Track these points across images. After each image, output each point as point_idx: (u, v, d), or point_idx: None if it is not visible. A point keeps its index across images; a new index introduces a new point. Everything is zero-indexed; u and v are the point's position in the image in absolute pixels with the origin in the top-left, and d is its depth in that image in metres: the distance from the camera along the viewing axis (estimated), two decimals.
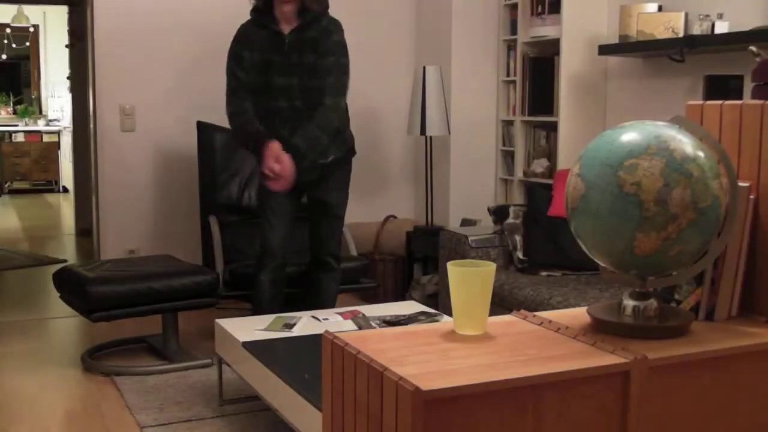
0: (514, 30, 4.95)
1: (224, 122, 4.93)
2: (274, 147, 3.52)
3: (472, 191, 5.21)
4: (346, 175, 3.88)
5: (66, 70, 9.24)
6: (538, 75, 4.72)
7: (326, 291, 3.97)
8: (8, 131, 11.27)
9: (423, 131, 4.84)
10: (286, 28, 3.61)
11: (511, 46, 5.01)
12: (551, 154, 4.70)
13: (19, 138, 11.31)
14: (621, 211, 1.47)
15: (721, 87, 3.44)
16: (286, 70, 3.59)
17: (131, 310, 3.78)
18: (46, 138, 11.37)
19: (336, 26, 3.66)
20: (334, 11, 5.46)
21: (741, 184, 1.69)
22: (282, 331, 3.21)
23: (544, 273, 3.97)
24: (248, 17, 3.75)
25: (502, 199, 5.14)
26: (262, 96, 3.63)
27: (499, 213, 4.20)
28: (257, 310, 3.77)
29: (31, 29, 11.57)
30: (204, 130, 4.64)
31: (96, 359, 3.98)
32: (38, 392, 3.60)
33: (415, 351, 1.49)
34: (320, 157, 3.67)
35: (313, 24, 3.61)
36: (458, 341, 1.55)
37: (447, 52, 5.14)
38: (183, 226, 5.08)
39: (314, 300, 3.96)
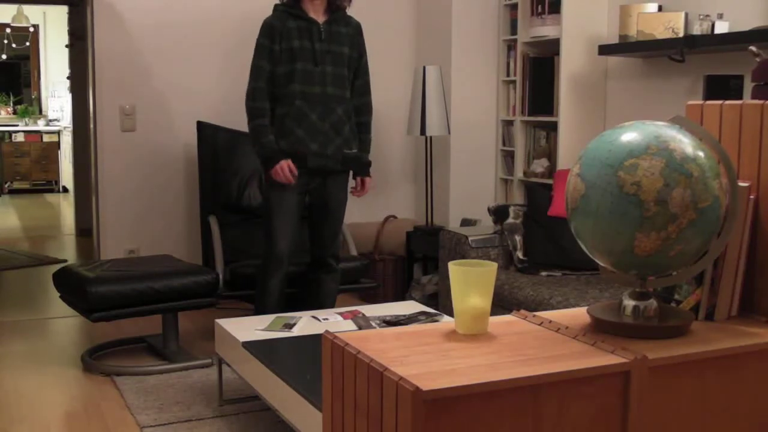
0: (514, 30, 4.95)
1: (224, 122, 4.95)
2: (285, 165, 3.65)
3: (472, 191, 5.21)
4: (347, 177, 3.90)
5: (66, 70, 9.25)
6: (538, 75, 4.72)
7: (327, 291, 3.98)
8: (8, 131, 11.27)
9: (423, 131, 4.84)
10: (319, 19, 3.73)
11: (511, 46, 5.01)
12: (551, 154, 4.70)
13: (19, 138, 11.31)
14: (621, 211, 1.47)
15: (721, 87, 3.44)
16: (322, 57, 3.69)
17: (131, 310, 3.78)
18: (46, 138, 11.37)
19: (361, 27, 3.91)
20: None
21: (741, 184, 1.69)
22: (282, 331, 3.21)
23: (544, 273, 3.97)
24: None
25: (502, 199, 5.14)
26: (294, 82, 3.67)
27: (499, 213, 4.20)
28: (264, 297, 3.82)
29: (31, 29, 11.57)
30: (204, 130, 4.64)
31: (96, 359, 3.98)
32: (38, 392, 3.60)
33: (415, 351, 1.49)
34: (345, 146, 3.77)
35: (342, 19, 3.79)
36: (458, 341, 1.55)
37: (447, 52, 5.14)
38: (183, 226, 5.08)
39: (314, 300, 3.96)
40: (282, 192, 3.73)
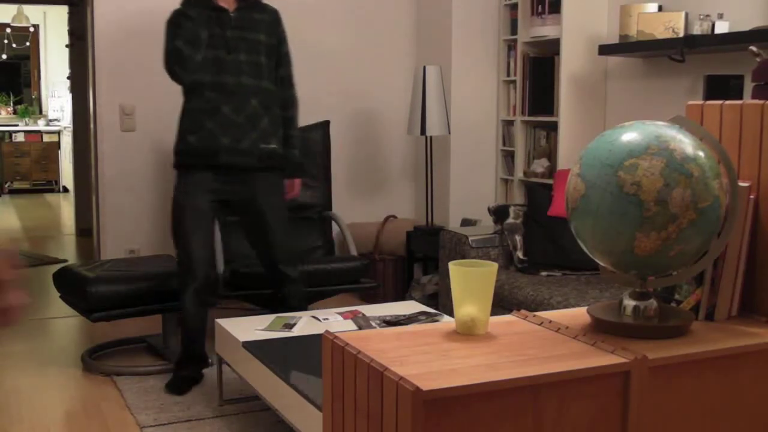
0: (514, 30, 4.95)
1: None
2: None
3: (472, 191, 5.21)
4: (277, 177, 3.65)
5: (66, 70, 9.25)
6: (538, 75, 4.72)
7: (292, 301, 3.71)
8: (8, 131, 11.27)
9: (423, 131, 4.84)
10: (230, 8, 3.52)
11: (511, 46, 5.01)
12: (551, 154, 4.70)
13: (19, 138, 11.31)
14: (621, 211, 1.47)
15: (721, 87, 3.44)
16: (235, 44, 3.49)
17: (131, 310, 3.78)
18: (46, 138, 11.38)
19: (279, 15, 3.68)
20: (334, 11, 5.47)
21: (741, 184, 1.69)
22: (282, 331, 3.21)
23: (544, 273, 3.97)
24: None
25: (502, 199, 5.14)
26: (204, 71, 3.48)
27: (499, 213, 4.20)
28: (185, 332, 3.61)
29: (31, 29, 11.57)
30: None
31: (96, 359, 3.98)
32: (38, 392, 3.60)
33: (415, 351, 1.49)
34: (262, 140, 3.53)
35: (256, 7, 3.59)
36: (458, 341, 1.55)
37: (447, 52, 5.14)
38: None
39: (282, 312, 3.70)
40: (190, 195, 3.51)
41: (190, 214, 3.52)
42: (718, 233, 1.57)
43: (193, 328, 3.60)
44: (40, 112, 11.77)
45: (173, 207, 3.60)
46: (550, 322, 1.67)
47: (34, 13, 11.33)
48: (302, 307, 3.75)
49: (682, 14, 3.86)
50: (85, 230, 7.37)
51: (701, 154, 1.50)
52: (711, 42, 3.59)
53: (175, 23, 3.48)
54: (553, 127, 4.67)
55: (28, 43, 11.73)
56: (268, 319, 3.41)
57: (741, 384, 1.57)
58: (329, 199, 4.84)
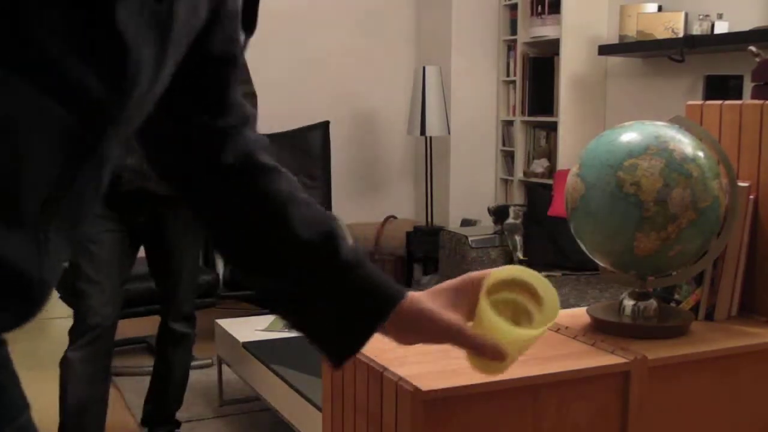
0: (514, 30, 4.95)
1: None
2: None
3: (472, 191, 5.21)
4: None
5: None
6: (538, 75, 4.72)
7: (175, 368, 3.04)
8: None
9: (423, 131, 4.84)
10: None
11: (511, 46, 5.01)
12: (551, 154, 4.70)
13: None
14: (621, 211, 1.47)
15: (720, 87, 3.44)
16: None
17: (131, 310, 3.78)
18: None
19: None
20: (334, 11, 5.47)
21: (741, 184, 1.69)
22: (282, 331, 3.21)
23: (543, 273, 3.97)
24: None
25: (502, 199, 5.14)
26: None
27: (499, 213, 4.20)
28: (63, 396, 2.95)
29: None
30: None
31: None
32: (38, 392, 3.59)
33: (415, 351, 1.48)
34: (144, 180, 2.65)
35: None
36: None
37: (447, 52, 5.14)
38: None
39: (159, 381, 3.08)
40: (93, 232, 2.76)
41: (91, 259, 2.82)
42: (717, 233, 1.57)
43: (78, 394, 2.90)
44: None
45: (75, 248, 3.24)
46: None
47: None
48: (180, 380, 3.07)
49: (682, 14, 3.86)
50: None
51: (701, 154, 1.50)
52: (711, 42, 3.59)
53: None
54: (552, 127, 4.67)
55: None
56: (268, 319, 3.41)
57: (741, 384, 1.57)
58: (329, 199, 4.84)
